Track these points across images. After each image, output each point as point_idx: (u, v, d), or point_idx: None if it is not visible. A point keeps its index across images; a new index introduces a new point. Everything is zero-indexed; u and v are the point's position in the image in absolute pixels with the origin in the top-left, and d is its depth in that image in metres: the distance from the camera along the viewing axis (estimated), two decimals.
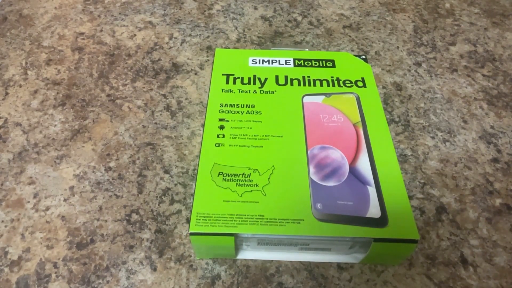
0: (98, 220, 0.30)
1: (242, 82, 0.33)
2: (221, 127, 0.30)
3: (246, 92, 0.33)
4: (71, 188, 0.32)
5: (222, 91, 0.33)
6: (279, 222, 0.25)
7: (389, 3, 0.49)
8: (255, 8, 0.47)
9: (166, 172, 0.33)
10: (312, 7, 0.48)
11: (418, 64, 0.42)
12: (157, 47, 0.43)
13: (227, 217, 0.25)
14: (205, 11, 0.47)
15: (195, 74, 0.40)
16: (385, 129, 0.30)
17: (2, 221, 0.30)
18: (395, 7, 0.48)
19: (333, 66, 0.35)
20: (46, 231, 0.29)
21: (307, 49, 0.37)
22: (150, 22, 0.45)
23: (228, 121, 0.30)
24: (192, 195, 0.31)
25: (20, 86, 0.39)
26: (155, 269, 0.28)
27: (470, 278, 0.28)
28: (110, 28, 0.45)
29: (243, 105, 0.32)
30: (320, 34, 0.44)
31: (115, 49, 0.42)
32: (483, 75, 0.41)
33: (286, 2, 0.48)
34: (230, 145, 0.29)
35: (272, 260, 0.28)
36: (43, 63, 0.41)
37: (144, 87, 0.39)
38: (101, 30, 0.44)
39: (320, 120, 0.31)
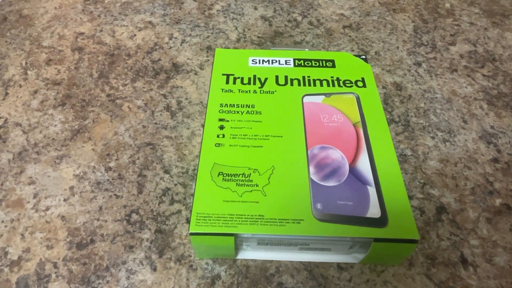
0: (98, 220, 0.30)
1: (242, 82, 0.33)
2: (221, 127, 0.30)
3: (246, 92, 0.33)
4: (71, 188, 0.32)
5: (222, 91, 0.33)
6: (279, 222, 0.25)
7: (389, 3, 0.49)
8: (255, 8, 0.47)
9: (166, 172, 0.33)
10: (312, 7, 0.48)
11: (418, 64, 0.42)
12: (157, 47, 0.43)
13: (227, 217, 0.25)
14: (205, 11, 0.47)
15: (195, 74, 0.40)
16: (385, 129, 0.30)
17: (2, 221, 0.30)
18: (395, 7, 0.48)
19: (333, 66, 0.35)
20: (46, 231, 0.29)
21: (307, 49, 0.37)
22: (150, 22, 0.45)
23: (228, 121, 0.30)
24: (192, 195, 0.31)
25: (20, 86, 0.39)
26: (155, 269, 0.28)
27: (470, 278, 0.28)
28: (110, 28, 0.45)
29: (243, 105, 0.32)
30: (320, 34, 0.44)
31: (115, 49, 0.42)
32: (483, 75, 0.41)
33: (286, 2, 0.48)
34: (230, 145, 0.29)
35: (272, 260, 0.28)
36: (43, 63, 0.41)
37: (144, 87, 0.39)
38: (101, 30, 0.44)
39: (320, 120, 0.31)
